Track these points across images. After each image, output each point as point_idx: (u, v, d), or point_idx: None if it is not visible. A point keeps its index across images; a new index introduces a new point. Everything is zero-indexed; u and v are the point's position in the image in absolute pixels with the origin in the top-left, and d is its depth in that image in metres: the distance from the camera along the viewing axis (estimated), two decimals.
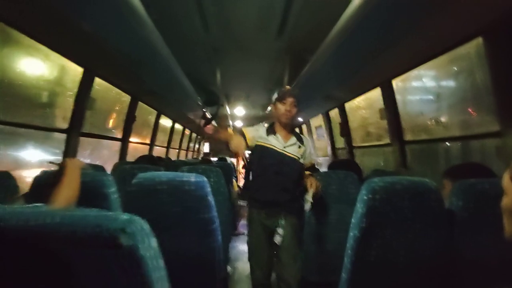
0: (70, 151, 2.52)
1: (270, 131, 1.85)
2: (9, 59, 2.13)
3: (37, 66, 2.34)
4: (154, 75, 2.72)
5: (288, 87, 1.95)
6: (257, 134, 1.85)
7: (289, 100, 1.79)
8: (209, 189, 1.33)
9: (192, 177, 1.28)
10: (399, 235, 1.11)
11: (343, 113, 3.77)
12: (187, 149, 8.16)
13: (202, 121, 4.91)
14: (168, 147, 5.94)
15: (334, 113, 4.19)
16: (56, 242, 0.38)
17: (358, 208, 1.10)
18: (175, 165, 2.89)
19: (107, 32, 1.86)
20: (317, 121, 5.18)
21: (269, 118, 5.72)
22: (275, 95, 1.88)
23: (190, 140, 8.27)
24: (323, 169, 4.08)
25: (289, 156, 1.80)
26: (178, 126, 6.37)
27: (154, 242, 0.44)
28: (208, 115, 4.64)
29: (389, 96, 2.65)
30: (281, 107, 1.81)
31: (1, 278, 0.37)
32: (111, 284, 0.39)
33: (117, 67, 2.59)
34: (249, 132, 1.84)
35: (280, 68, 3.52)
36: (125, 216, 0.42)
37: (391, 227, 1.10)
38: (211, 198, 1.34)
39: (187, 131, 7.59)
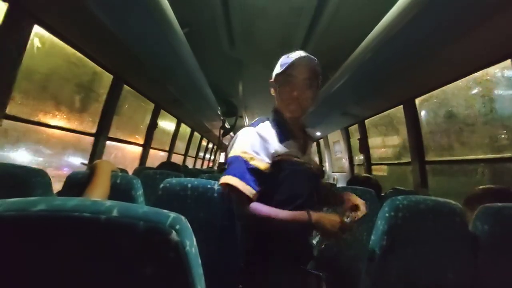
0: (97, 153, 2.63)
1: (284, 130, 1.11)
2: (48, 67, 2.28)
3: (73, 72, 2.49)
4: (178, 84, 2.82)
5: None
6: (264, 144, 1.04)
7: (302, 72, 1.09)
8: (231, 197, 1.36)
9: (216, 185, 1.32)
10: (421, 256, 1.09)
11: (363, 129, 3.75)
12: (203, 158, 8.26)
13: (221, 131, 5.00)
14: (185, 155, 6.05)
15: (354, 129, 4.18)
16: (112, 234, 0.42)
17: (379, 225, 1.10)
18: (193, 173, 2.95)
19: (139, 42, 1.96)
20: (335, 136, 5.17)
21: None
22: (277, 67, 1.15)
23: (206, 150, 8.38)
24: (340, 184, 4.04)
25: (317, 173, 1.18)
26: (186, 133, 6.49)
27: (195, 241, 0.47)
28: (227, 126, 4.73)
29: (412, 114, 2.63)
30: (286, 87, 1.10)
31: (62, 267, 0.41)
32: (158, 277, 0.42)
33: (144, 76, 2.71)
34: (246, 148, 1.02)
35: None
36: (173, 214, 0.45)
37: (412, 247, 1.09)
38: (231, 206, 1.37)
39: (204, 141, 7.71)
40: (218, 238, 1.30)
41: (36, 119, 2.14)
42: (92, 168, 1.30)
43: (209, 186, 1.33)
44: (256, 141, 1.04)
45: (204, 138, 7.52)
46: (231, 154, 1.04)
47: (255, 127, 1.09)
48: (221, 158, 10.57)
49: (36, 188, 1.32)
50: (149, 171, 2.29)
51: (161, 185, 1.34)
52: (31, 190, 1.28)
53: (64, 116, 2.42)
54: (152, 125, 3.89)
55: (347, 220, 0.97)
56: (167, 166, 2.60)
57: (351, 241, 1.86)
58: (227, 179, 0.98)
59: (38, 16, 1.73)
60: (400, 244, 1.08)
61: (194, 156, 7.06)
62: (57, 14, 1.75)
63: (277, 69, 1.13)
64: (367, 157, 3.79)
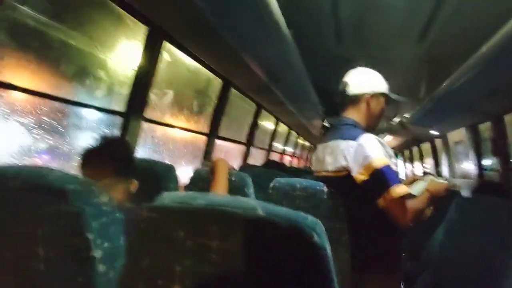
0: (208, 151, 2.94)
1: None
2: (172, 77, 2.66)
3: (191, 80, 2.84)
4: (282, 85, 2.87)
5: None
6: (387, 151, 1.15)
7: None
8: (340, 200, 1.30)
9: (325, 187, 1.28)
10: None
11: (499, 128, 3.06)
12: (300, 157, 8.29)
13: (321, 131, 4.91)
14: (283, 153, 6.19)
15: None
16: (261, 230, 0.44)
17: None
18: (295, 172, 2.97)
19: (248, 47, 2.07)
20: (456, 135, 4.41)
21: (394, 130, 5.17)
22: (377, 81, 1.29)
23: (303, 148, 8.38)
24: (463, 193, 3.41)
25: None
26: (284, 131, 6.55)
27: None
28: (327, 125, 4.61)
29: None
30: (381, 104, 1.28)
31: (216, 255, 0.45)
32: (299, 276, 0.43)
33: (250, 79, 2.86)
34: (384, 155, 1.09)
35: (415, 77, 3.16)
36: (311, 217, 0.47)
37: None
38: (342, 209, 1.31)
39: (300, 139, 7.73)
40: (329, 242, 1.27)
41: (164, 121, 2.53)
42: (212, 166, 1.45)
43: (318, 187, 1.30)
44: (383, 148, 1.11)
45: (300, 137, 7.54)
46: (378, 164, 1.05)
47: (362, 135, 1.13)
48: None
49: (168, 181, 1.52)
50: (255, 169, 2.42)
51: (271, 184, 1.39)
52: (165, 183, 1.48)
53: (185, 118, 2.80)
54: (254, 125, 4.11)
55: None
56: (272, 165, 2.69)
57: (476, 259, 1.55)
58: (400, 190, 1.03)
59: (168, 34, 2.02)
60: None
61: (291, 154, 7.17)
62: (182, 30, 2.02)
63: (384, 87, 1.28)
64: (505, 160, 3.08)
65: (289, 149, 6.88)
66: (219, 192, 1.24)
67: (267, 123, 5.13)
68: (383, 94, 1.28)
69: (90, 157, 0.99)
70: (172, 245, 0.46)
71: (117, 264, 0.54)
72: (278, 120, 5.08)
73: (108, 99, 2.00)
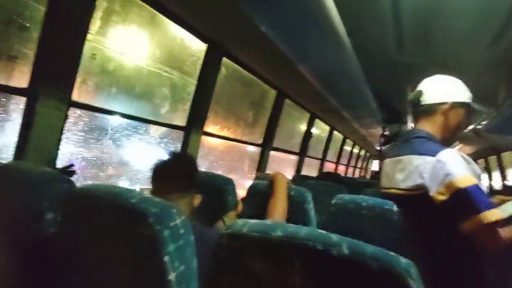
0: (263, 162, 2.95)
1: None
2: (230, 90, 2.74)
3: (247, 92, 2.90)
4: (338, 94, 2.78)
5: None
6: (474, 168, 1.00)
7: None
8: (415, 221, 1.17)
9: (395, 207, 1.17)
10: None
11: None
12: (355, 166, 7.90)
13: (381, 139, 4.62)
14: (337, 163, 5.96)
15: None
16: (344, 270, 0.41)
17: None
18: (354, 185, 2.81)
19: (304, 55, 2.03)
20: None
21: (466, 138, 4.62)
22: (458, 90, 1.15)
23: (358, 157, 7.98)
24: None
25: None
26: (338, 140, 6.28)
27: None
28: (386, 133, 4.33)
29: None
30: (460, 115, 1.13)
31: None
32: None
33: (304, 88, 2.82)
34: (471, 173, 0.95)
35: (489, 82, 2.81)
36: (404, 259, 0.42)
37: None
38: (416, 232, 1.18)
39: (356, 148, 7.37)
40: None
41: (222, 134, 2.61)
42: (270, 179, 1.43)
43: (386, 207, 1.19)
44: (469, 165, 0.97)
45: (356, 145, 7.19)
46: (463, 183, 0.92)
47: (441, 151, 1.00)
48: (374, 165, 9.80)
49: (227, 194, 1.54)
50: (311, 181, 2.34)
51: (333, 201, 1.31)
52: (224, 195, 1.51)
53: (240, 130, 2.85)
54: (307, 135, 4.03)
55: None
56: (328, 176, 2.59)
57: None
58: (492, 215, 0.89)
59: (226, 49, 2.10)
60: None
61: (345, 163, 6.87)
62: (239, 45, 2.07)
63: (466, 96, 1.14)
64: None
65: (343, 159, 6.60)
66: (279, 208, 1.22)
67: (321, 132, 4.99)
68: (463, 104, 1.13)
69: (160, 172, 1.04)
70: (251, 276, 0.45)
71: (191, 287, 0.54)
72: (332, 128, 4.91)
73: (171, 115, 2.13)
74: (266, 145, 2.97)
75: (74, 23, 1.27)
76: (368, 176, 8.50)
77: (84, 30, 1.31)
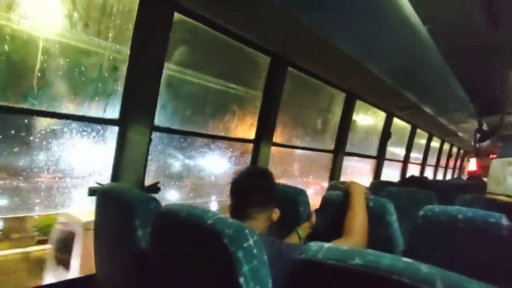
0: (336, 169, 2.82)
1: None
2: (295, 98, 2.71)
3: (313, 98, 2.83)
4: (417, 89, 2.50)
5: None
6: None
7: None
8: None
9: (505, 219, 0.97)
10: None
11: None
12: (446, 167, 6.93)
13: (477, 135, 3.96)
14: (423, 164, 5.31)
15: None
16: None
17: None
18: (446, 190, 2.44)
19: (372, 53, 1.90)
20: None
21: None
22: None
23: (449, 156, 6.98)
24: None
25: None
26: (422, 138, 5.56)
27: None
28: (485, 127, 3.69)
29: None
30: None
31: None
32: None
33: (377, 87, 2.61)
34: None
35: None
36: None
37: None
38: None
39: (446, 145, 6.46)
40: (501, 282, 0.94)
41: (289, 143, 2.59)
42: (346, 189, 1.34)
43: (491, 219, 0.99)
44: None
45: (445, 143, 6.31)
46: None
47: None
48: (472, 165, 8.42)
49: (300, 205, 1.51)
50: (392, 188, 2.12)
51: (420, 213, 1.16)
52: (296, 206, 1.48)
53: (309, 139, 2.79)
54: (385, 135, 3.70)
55: None
56: (412, 181, 2.32)
57: None
58: None
59: (290, 60, 2.09)
60: None
61: (433, 164, 6.08)
62: (302, 53, 2.04)
63: None
64: None
65: (430, 158, 5.84)
66: (358, 224, 1.12)
67: (400, 131, 4.53)
68: None
69: (239, 187, 1.07)
70: None
71: None
72: (414, 126, 4.41)
73: (240, 129, 2.21)
74: (339, 151, 2.83)
75: (153, 59, 1.44)
76: (464, 178, 7.36)
77: (161, 63, 1.46)
